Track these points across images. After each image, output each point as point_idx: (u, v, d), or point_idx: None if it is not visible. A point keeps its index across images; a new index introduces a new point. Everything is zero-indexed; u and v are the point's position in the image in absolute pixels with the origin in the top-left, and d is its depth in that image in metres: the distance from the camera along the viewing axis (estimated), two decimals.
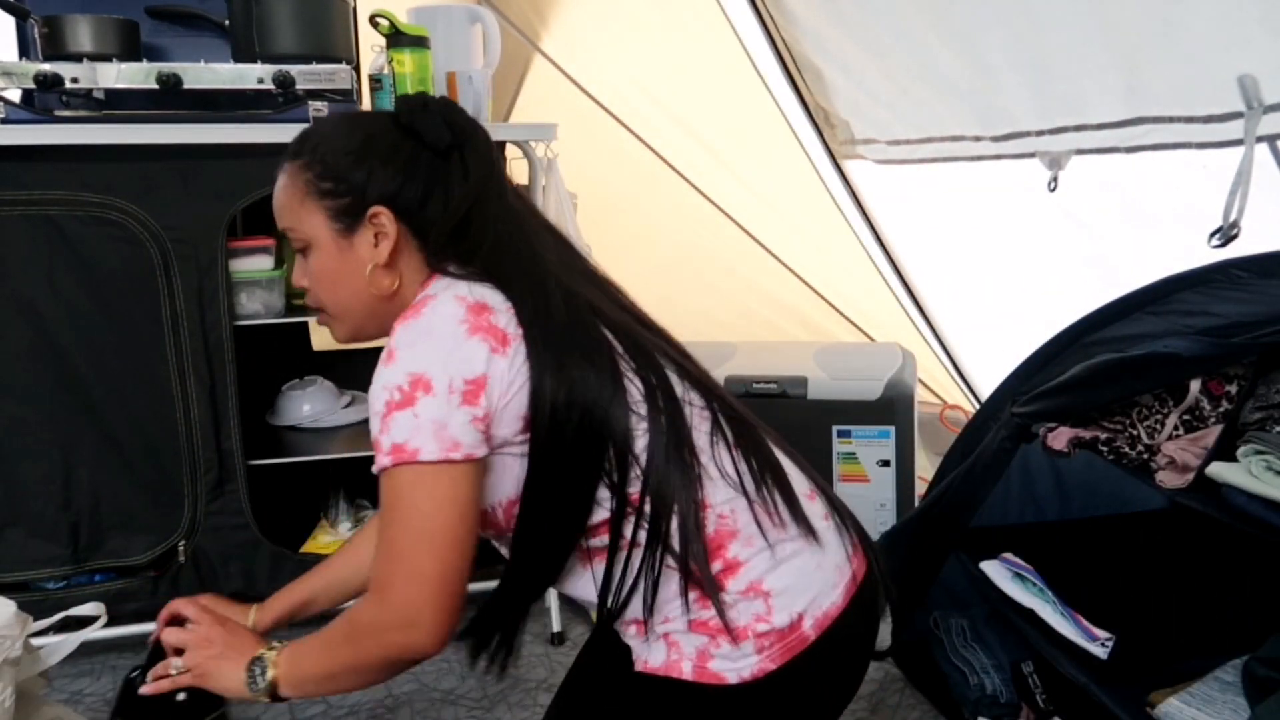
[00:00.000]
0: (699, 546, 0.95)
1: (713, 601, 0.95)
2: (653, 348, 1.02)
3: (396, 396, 0.89)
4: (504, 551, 1.04)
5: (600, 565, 0.99)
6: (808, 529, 1.01)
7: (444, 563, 0.90)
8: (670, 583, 0.96)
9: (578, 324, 0.98)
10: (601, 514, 0.97)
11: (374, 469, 0.91)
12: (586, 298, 1.01)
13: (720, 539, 0.97)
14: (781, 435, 1.11)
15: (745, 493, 0.98)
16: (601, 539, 0.98)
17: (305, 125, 1.87)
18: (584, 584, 1.03)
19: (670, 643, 0.97)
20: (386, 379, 0.90)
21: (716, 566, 0.96)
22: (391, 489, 0.91)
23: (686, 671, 0.96)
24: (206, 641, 1.10)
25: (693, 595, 0.96)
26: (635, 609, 0.98)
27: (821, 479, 1.11)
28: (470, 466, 0.92)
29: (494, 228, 1.02)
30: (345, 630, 0.97)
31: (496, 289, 0.97)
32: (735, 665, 0.95)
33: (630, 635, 1.02)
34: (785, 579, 0.97)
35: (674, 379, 1.01)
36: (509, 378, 0.93)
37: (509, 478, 0.97)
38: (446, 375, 0.90)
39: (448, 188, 1.03)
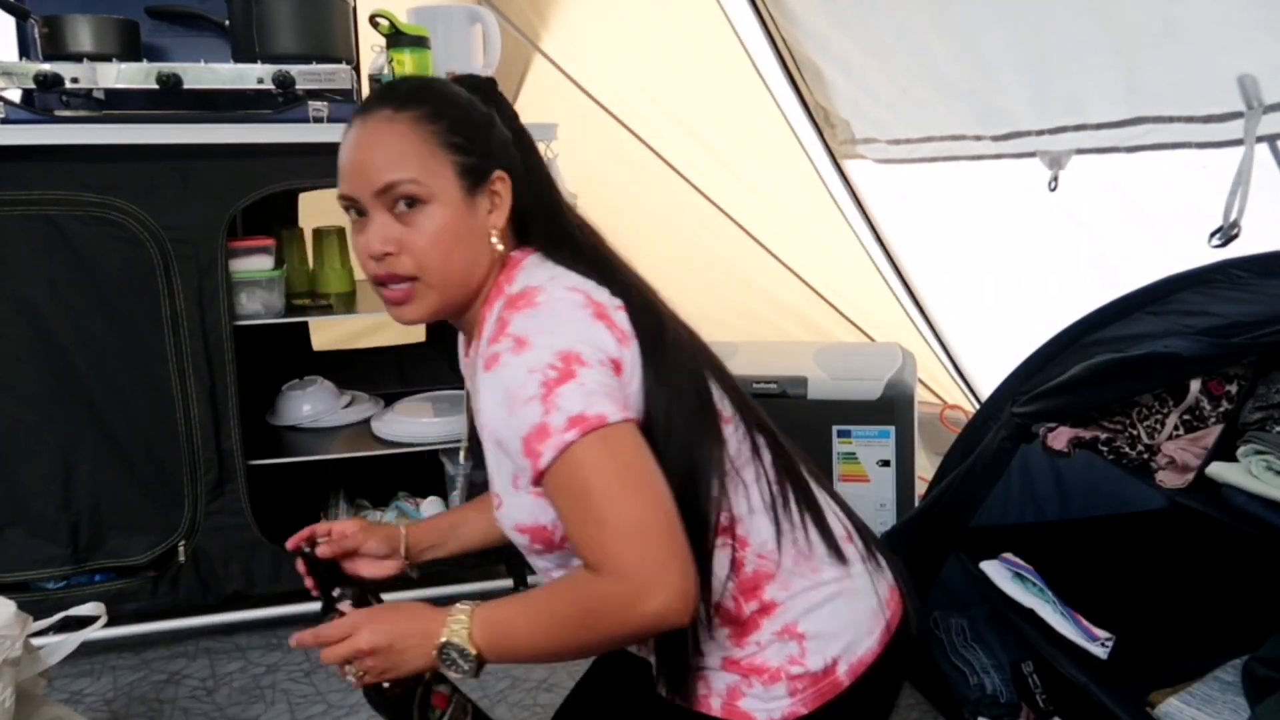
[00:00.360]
0: (735, 585, 0.94)
1: (747, 641, 0.94)
2: (706, 366, 0.99)
3: (552, 375, 0.83)
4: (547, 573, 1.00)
5: None
6: (845, 573, 1.00)
7: (659, 509, 0.83)
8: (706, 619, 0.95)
9: (675, 339, 0.96)
10: None
11: (549, 456, 0.82)
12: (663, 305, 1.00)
13: (758, 579, 0.95)
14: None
15: (784, 533, 0.97)
16: None
17: (305, 124, 1.89)
18: None
19: (701, 677, 0.96)
20: (531, 362, 0.84)
21: (752, 606, 0.95)
22: (578, 462, 0.82)
23: (715, 708, 0.95)
24: (374, 643, 0.90)
25: (727, 632, 0.95)
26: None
27: (860, 519, 1.09)
28: (637, 427, 0.87)
29: (567, 217, 1.02)
30: (575, 607, 0.85)
31: (594, 280, 0.94)
32: (766, 706, 0.94)
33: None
34: (821, 623, 0.96)
35: (724, 404, 0.98)
36: (627, 370, 0.89)
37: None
38: (592, 350, 0.86)
39: (526, 169, 1.01)
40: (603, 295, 0.93)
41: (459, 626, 0.87)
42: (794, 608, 0.96)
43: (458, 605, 0.89)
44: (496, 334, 0.89)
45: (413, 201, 0.96)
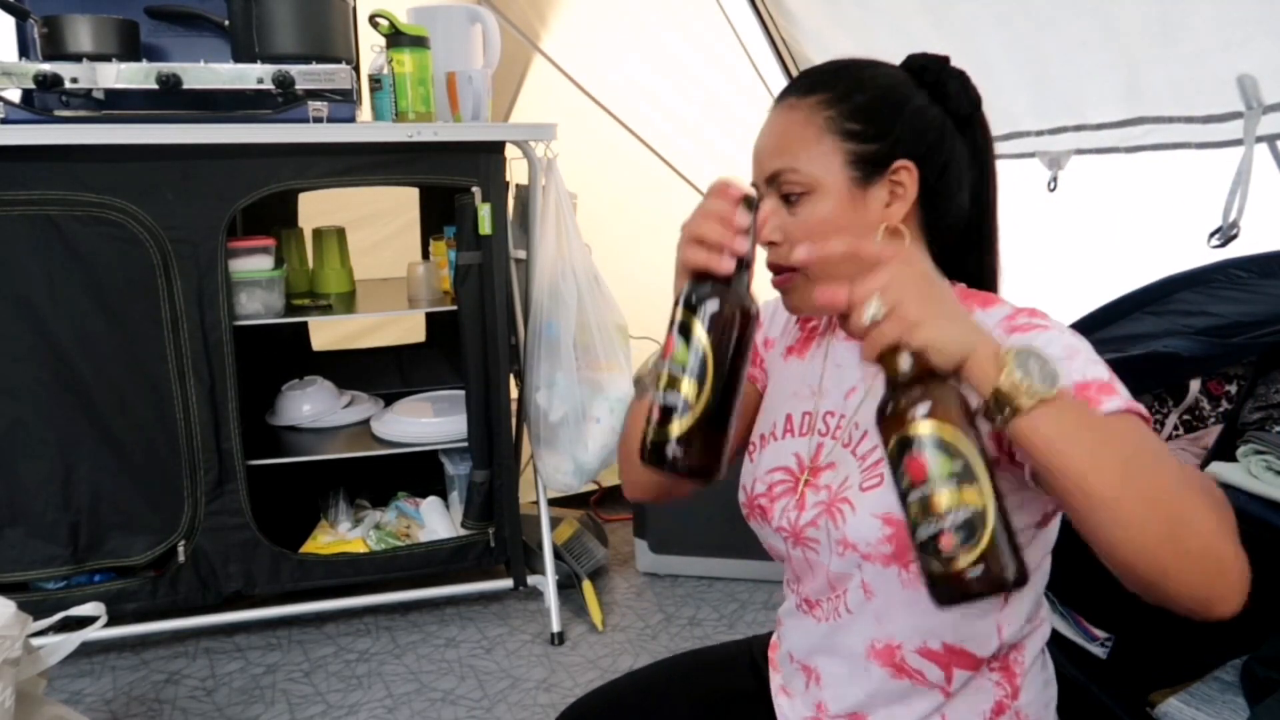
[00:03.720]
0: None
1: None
2: None
3: (1104, 376, 0.74)
4: None
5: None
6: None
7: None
8: None
9: None
10: None
11: (1119, 404, 0.71)
12: None
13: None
14: None
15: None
16: None
17: (305, 124, 1.89)
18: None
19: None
20: (1075, 340, 0.78)
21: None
22: (1147, 433, 0.71)
23: None
24: (925, 274, 0.73)
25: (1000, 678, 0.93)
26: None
27: None
28: None
29: (992, 231, 0.92)
30: (1209, 489, 0.69)
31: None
32: None
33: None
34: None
35: None
36: None
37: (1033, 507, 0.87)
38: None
39: (962, 165, 0.90)
40: None
41: (1025, 382, 0.66)
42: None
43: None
44: (1028, 326, 0.81)
45: (797, 191, 0.88)
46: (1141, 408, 0.73)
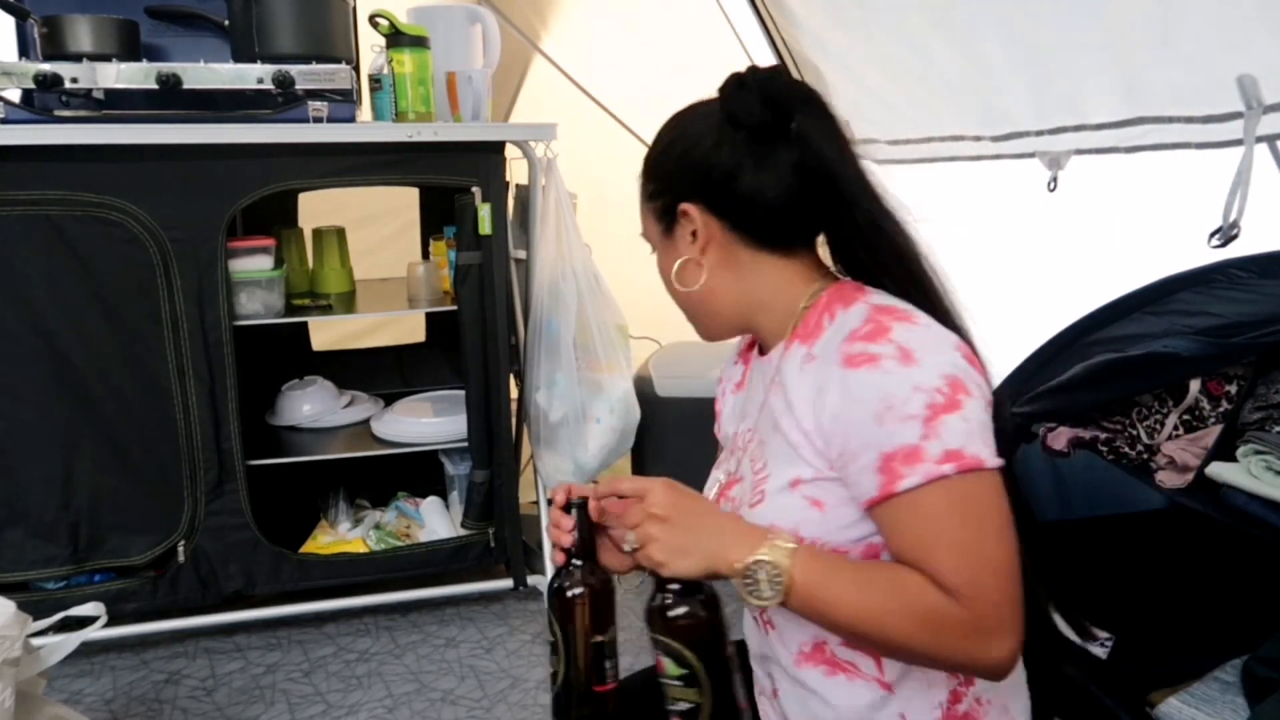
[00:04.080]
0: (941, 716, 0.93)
1: None
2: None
3: (939, 399, 0.80)
4: None
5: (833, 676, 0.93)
6: None
7: (1015, 557, 0.81)
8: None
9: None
10: None
11: (910, 481, 0.80)
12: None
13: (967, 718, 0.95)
14: None
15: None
16: None
17: (305, 124, 1.89)
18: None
19: None
20: (918, 380, 0.81)
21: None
22: (950, 494, 0.80)
23: None
24: (673, 514, 0.86)
25: None
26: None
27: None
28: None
29: (858, 218, 0.93)
30: (913, 615, 0.80)
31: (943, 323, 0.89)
32: None
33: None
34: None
35: None
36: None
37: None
38: (974, 381, 0.84)
39: (768, 168, 0.92)
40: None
41: (783, 549, 0.81)
42: None
43: (781, 533, 0.83)
44: (872, 334, 0.84)
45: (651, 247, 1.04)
46: (970, 454, 0.80)
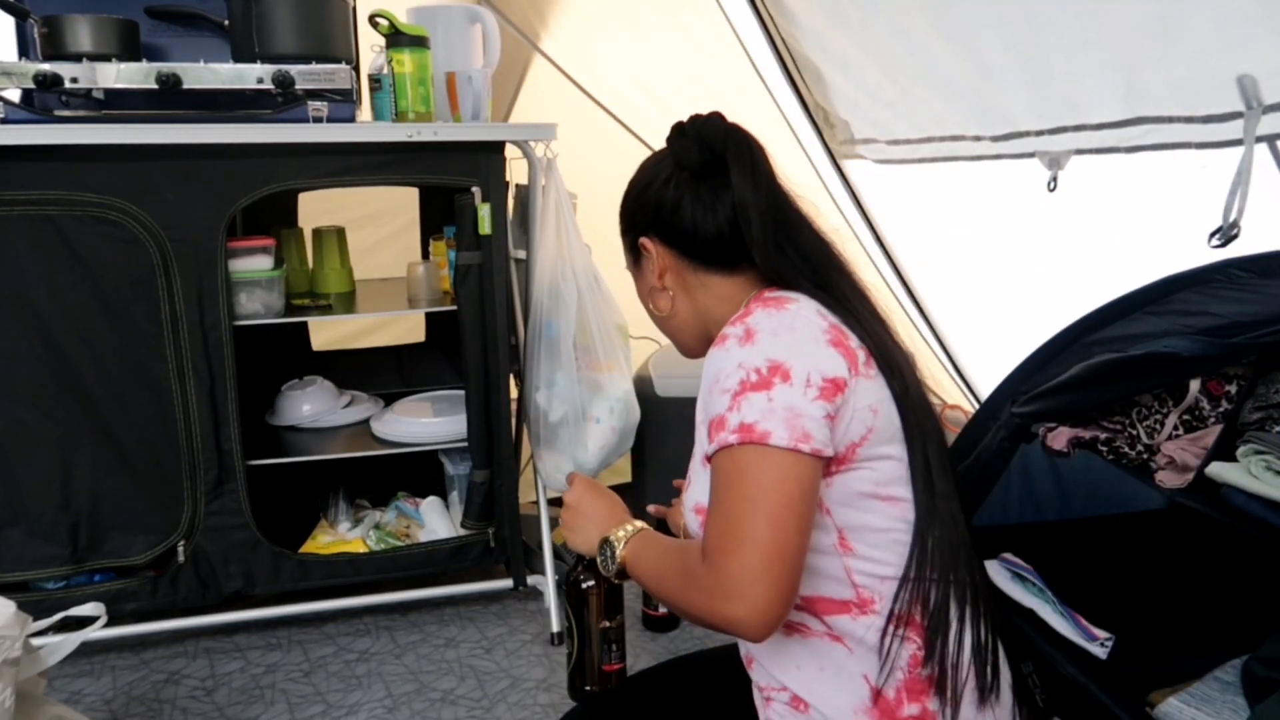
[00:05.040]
0: (904, 680, 0.96)
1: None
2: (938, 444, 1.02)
3: (753, 378, 0.90)
4: None
5: (790, 639, 1.00)
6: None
7: (781, 534, 0.86)
8: (858, 690, 0.97)
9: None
10: (846, 594, 0.97)
11: (712, 447, 0.91)
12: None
13: (928, 686, 0.97)
14: None
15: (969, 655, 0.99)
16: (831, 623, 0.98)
17: (305, 124, 1.89)
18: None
19: None
20: (744, 358, 0.92)
21: (912, 709, 0.96)
22: (733, 464, 0.89)
23: None
24: (576, 504, 1.15)
25: (878, 709, 0.96)
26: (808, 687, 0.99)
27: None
28: (815, 462, 0.89)
29: (773, 232, 1.04)
30: (682, 570, 0.94)
31: (838, 314, 0.99)
32: None
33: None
34: None
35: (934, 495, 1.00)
36: (853, 399, 0.93)
37: None
38: (806, 369, 0.91)
39: (708, 200, 1.06)
40: (847, 328, 0.98)
41: (623, 534, 1.06)
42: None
43: (636, 522, 1.08)
44: (739, 317, 0.98)
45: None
46: (759, 430, 0.88)
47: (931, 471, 0.98)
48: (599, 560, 1.07)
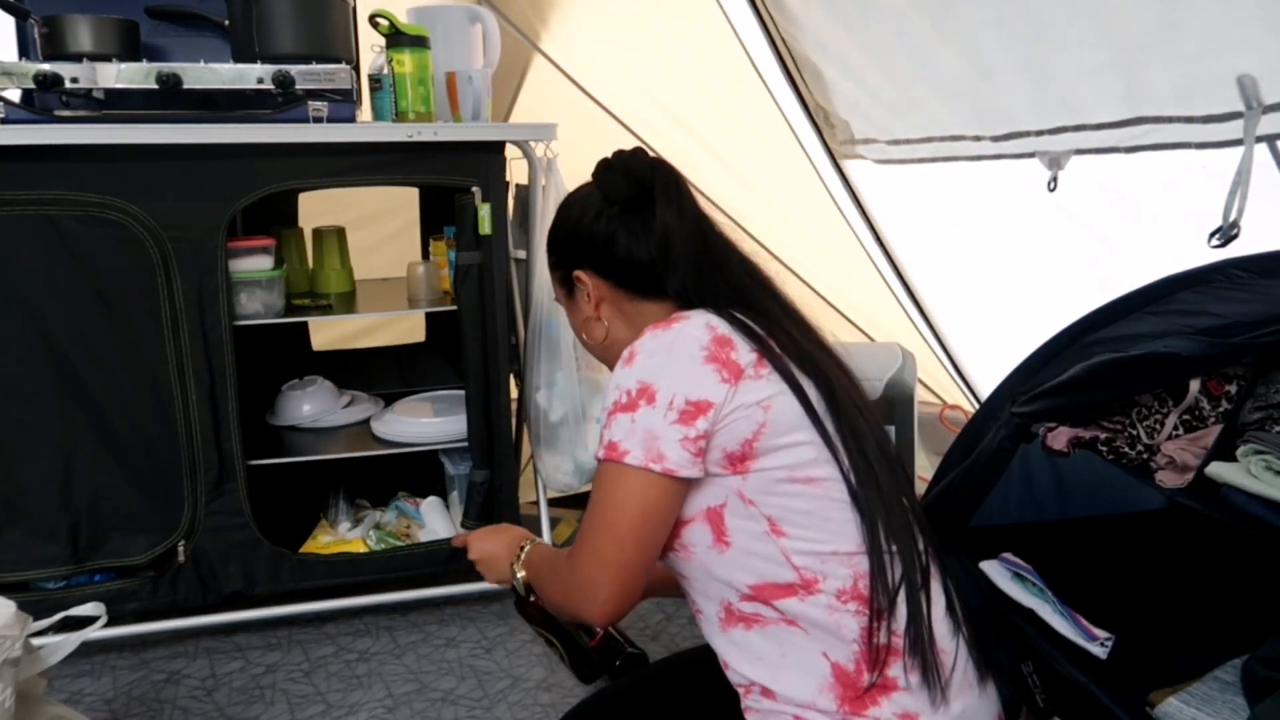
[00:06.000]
0: (861, 652, 0.99)
1: (865, 714, 0.98)
2: (854, 425, 1.06)
3: (624, 399, 0.98)
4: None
5: (751, 631, 1.03)
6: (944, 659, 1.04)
7: (623, 552, 0.98)
8: (820, 667, 0.99)
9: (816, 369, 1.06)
10: (789, 577, 1.00)
11: (594, 453, 1.06)
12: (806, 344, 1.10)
13: (886, 655, 0.99)
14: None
15: (912, 623, 1.01)
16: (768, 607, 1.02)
17: (305, 124, 1.89)
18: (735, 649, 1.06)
19: None
20: (620, 379, 1.00)
21: (871, 678, 0.99)
22: (599, 477, 1.01)
23: None
24: (480, 556, 1.29)
25: (840, 693, 0.99)
26: (777, 678, 1.02)
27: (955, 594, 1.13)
28: (667, 481, 0.97)
29: (693, 256, 1.10)
30: (554, 569, 1.11)
31: (738, 326, 1.04)
32: None
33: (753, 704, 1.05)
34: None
35: (860, 468, 1.04)
36: (730, 407, 0.98)
37: (693, 502, 1.02)
38: (670, 391, 0.97)
39: (637, 232, 1.12)
40: (747, 342, 1.02)
41: (521, 555, 1.22)
42: (919, 696, 0.98)
43: (531, 539, 1.23)
44: (633, 340, 1.04)
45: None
46: (621, 448, 0.97)
47: (866, 454, 1.04)
48: (514, 584, 1.22)
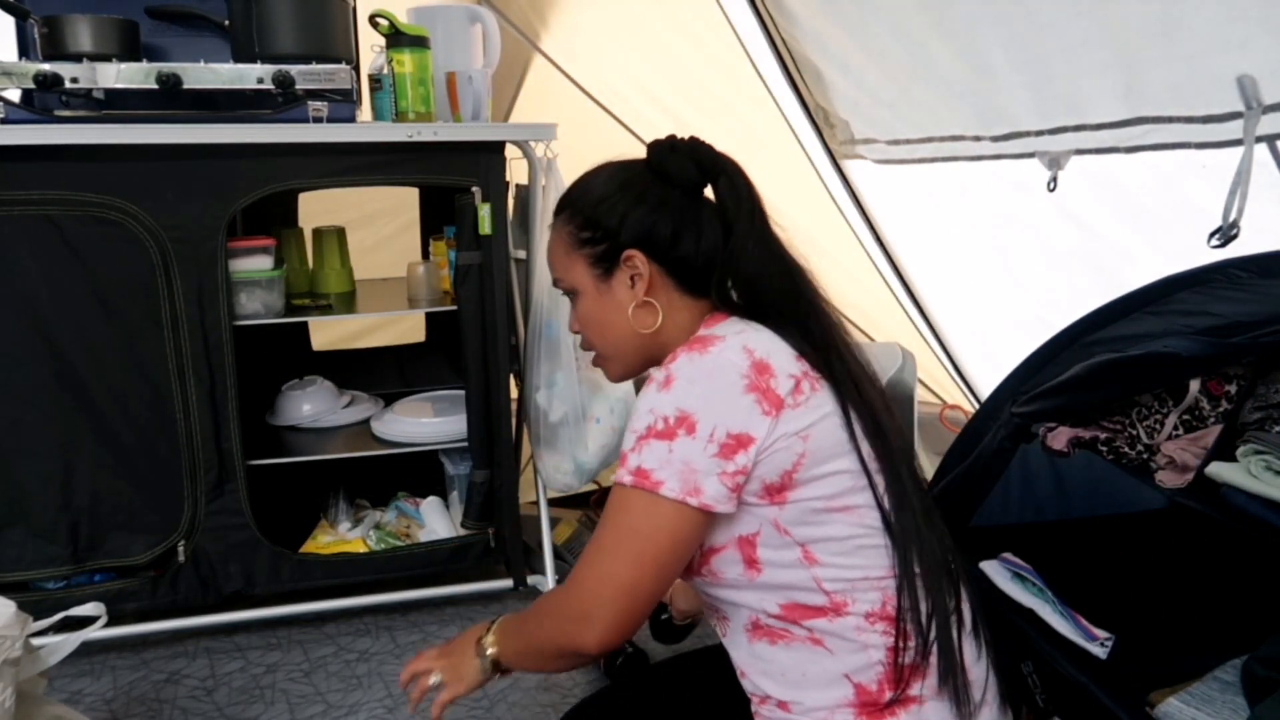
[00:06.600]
0: (884, 673, 0.98)
1: None
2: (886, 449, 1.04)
3: (660, 425, 0.94)
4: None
5: (776, 646, 1.02)
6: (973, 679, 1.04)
7: (639, 576, 0.94)
8: (841, 688, 0.99)
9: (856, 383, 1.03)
10: (820, 601, 0.99)
11: (614, 478, 0.97)
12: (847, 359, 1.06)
13: (910, 673, 0.99)
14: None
15: (938, 640, 1.00)
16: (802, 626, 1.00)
17: (305, 124, 1.89)
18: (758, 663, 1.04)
19: None
20: (656, 404, 0.95)
21: (892, 695, 0.98)
22: (621, 501, 0.96)
23: None
24: (443, 669, 1.13)
25: (857, 711, 0.98)
26: (797, 693, 1.00)
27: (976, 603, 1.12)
28: (701, 515, 0.94)
29: (756, 264, 1.06)
30: (535, 610, 1.04)
31: (778, 337, 1.01)
32: None
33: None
34: None
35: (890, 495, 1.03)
36: (770, 440, 0.95)
37: (725, 530, 0.99)
38: (712, 423, 0.93)
39: (699, 225, 1.07)
40: (780, 358, 0.98)
41: (490, 635, 1.10)
42: (941, 709, 0.98)
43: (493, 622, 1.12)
44: (668, 360, 0.99)
45: (571, 294, 1.13)
46: (654, 477, 0.93)
47: (900, 478, 1.02)
48: (481, 675, 1.10)
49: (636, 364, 1.13)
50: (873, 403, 1.03)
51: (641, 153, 1.13)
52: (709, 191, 1.10)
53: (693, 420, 0.93)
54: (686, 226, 1.06)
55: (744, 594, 1.01)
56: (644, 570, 0.94)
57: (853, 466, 0.99)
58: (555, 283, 1.14)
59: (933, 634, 0.99)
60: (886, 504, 1.00)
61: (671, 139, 1.10)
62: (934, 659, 0.98)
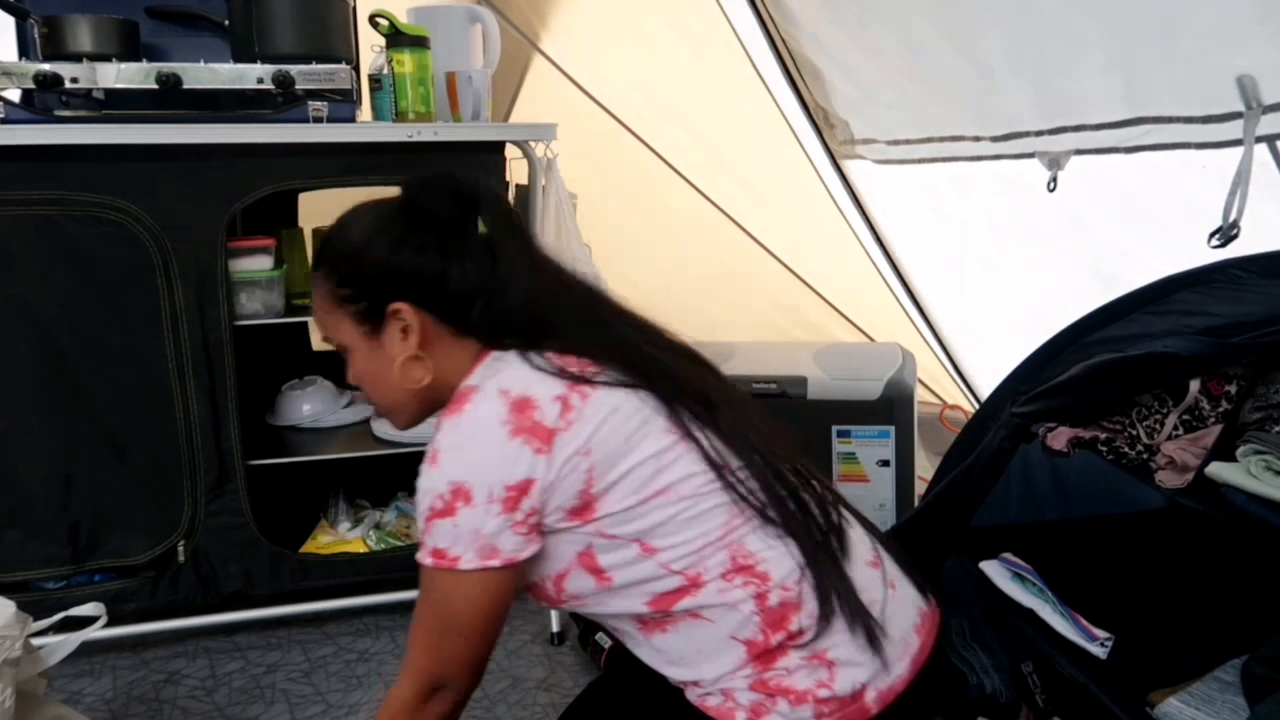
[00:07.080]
0: (761, 620, 0.97)
1: (776, 666, 0.97)
2: (703, 400, 1.03)
3: (439, 504, 0.93)
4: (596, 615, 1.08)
5: (665, 633, 1.02)
6: (871, 599, 1.02)
7: (475, 646, 0.98)
8: (733, 650, 0.98)
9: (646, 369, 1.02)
10: (676, 582, 0.99)
11: (419, 561, 0.96)
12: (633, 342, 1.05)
13: (784, 610, 0.98)
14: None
15: (809, 567, 0.99)
16: (675, 605, 1.00)
17: (305, 124, 1.89)
18: (647, 649, 1.05)
19: (726, 693, 0.98)
20: (429, 484, 0.94)
21: (779, 637, 0.97)
22: (430, 582, 0.97)
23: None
24: None
25: (755, 662, 0.98)
26: (698, 671, 1.01)
27: (885, 537, 1.12)
28: (508, 571, 0.95)
29: (530, 288, 1.03)
30: (386, 714, 1.01)
31: (528, 365, 0.99)
32: None
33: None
34: (850, 650, 0.98)
35: (718, 443, 1.02)
36: (553, 474, 0.94)
37: (558, 556, 0.99)
38: (487, 485, 0.93)
39: (463, 260, 1.03)
40: (541, 389, 0.96)
41: None
42: (823, 636, 0.98)
43: None
44: (434, 433, 0.97)
45: (343, 350, 1.09)
46: (451, 555, 0.94)
47: (721, 428, 1.01)
48: None
49: (419, 414, 1.11)
50: (671, 368, 1.03)
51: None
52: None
53: (467, 490, 0.92)
54: (451, 264, 1.03)
55: (611, 602, 1.01)
56: (473, 634, 0.97)
57: (653, 449, 0.97)
58: (324, 339, 1.10)
59: (787, 559, 0.98)
60: (714, 456, 0.99)
61: (423, 176, 1.07)
62: (806, 586, 0.98)
